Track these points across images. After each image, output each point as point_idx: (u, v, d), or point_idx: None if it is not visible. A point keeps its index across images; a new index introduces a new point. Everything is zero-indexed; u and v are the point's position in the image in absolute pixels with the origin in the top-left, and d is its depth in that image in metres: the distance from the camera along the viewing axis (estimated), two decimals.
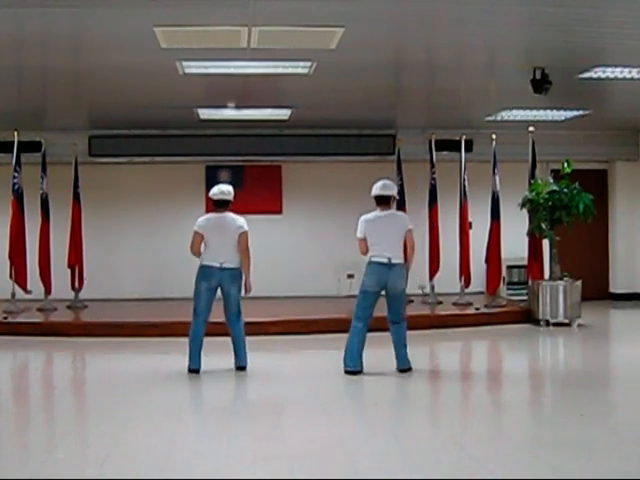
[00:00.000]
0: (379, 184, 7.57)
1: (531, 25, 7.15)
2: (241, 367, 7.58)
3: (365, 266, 7.47)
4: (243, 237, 7.52)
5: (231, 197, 7.66)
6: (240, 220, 7.58)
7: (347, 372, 7.37)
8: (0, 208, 11.92)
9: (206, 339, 9.32)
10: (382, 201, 7.50)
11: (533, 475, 4.41)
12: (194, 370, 7.49)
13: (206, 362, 8.03)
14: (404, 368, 7.49)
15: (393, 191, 7.58)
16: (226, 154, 13.07)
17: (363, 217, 7.55)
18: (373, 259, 7.38)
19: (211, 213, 7.69)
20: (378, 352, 9.16)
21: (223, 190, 7.63)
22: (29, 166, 11.49)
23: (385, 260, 7.32)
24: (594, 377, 7.58)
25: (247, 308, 11.12)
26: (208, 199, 13.26)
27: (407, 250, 7.51)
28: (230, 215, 7.61)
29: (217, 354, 8.85)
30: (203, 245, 7.55)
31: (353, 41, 7.34)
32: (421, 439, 5.35)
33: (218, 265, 7.43)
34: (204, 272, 7.48)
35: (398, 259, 7.38)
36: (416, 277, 12.06)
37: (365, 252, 7.49)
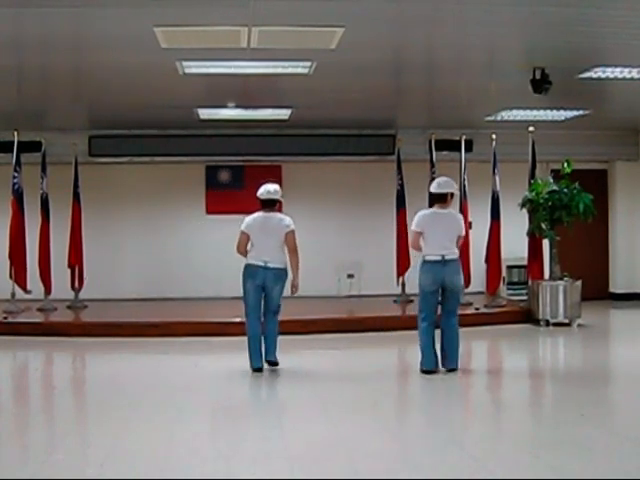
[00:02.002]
0: (436, 182, 7.65)
1: (531, 25, 7.15)
2: (270, 362, 7.55)
3: (419, 265, 7.50)
4: (290, 236, 7.52)
5: (278, 196, 7.66)
6: (287, 219, 7.59)
7: (423, 371, 7.38)
8: (0, 208, 11.92)
9: (207, 339, 9.33)
10: (440, 199, 7.52)
11: (533, 475, 4.41)
12: (257, 369, 7.48)
13: (206, 362, 8.04)
14: (452, 368, 7.44)
15: (451, 189, 7.58)
16: (226, 154, 13.08)
17: (421, 212, 7.62)
18: (427, 258, 7.38)
19: (258, 212, 7.65)
20: (378, 352, 9.17)
21: (269, 189, 7.64)
22: (29, 166, 11.49)
23: (439, 258, 7.31)
24: (594, 377, 7.58)
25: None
26: (208, 199, 13.54)
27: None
28: (277, 215, 7.61)
29: (216, 354, 8.85)
30: (250, 245, 7.55)
31: (353, 41, 7.34)
32: (421, 439, 5.35)
33: (262, 264, 7.43)
34: (249, 270, 7.49)
35: (452, 255, 7.36)
36: (416, 277, 12.15)
37: (416, 246, 7.53)
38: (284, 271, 7.54)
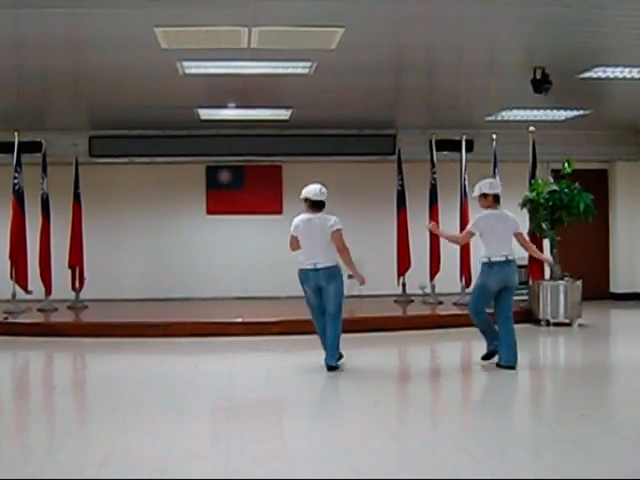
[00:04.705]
0: (488, 183, 7.78)
1: (531, 25, 7.15)
2: (328, 367, 7.48)
3: (480, 266, 7.61)
4: (336, 236, 7.38)
5: (324, 197, 7.54)
6: (332, 219, 7.45)
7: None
8: (0, 208, 11.93)
9: (208, 339, 9.32)
10: (495, 200, 7.70)
11: (533, 475, 4.41)
12: (329, 368, 7.47)
13: (206, 362, 8.03)
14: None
15: (497, 190, 7.74)
16: (226, 154, 13.08)
17: (478, 215, 7.76)
18: (492, 259, 7.49)
19: (303, 214, 7.58)
20: (378, 352, 9.17)
21: (323, 190, 7.53)
22: (29, 166, 11.49)
23: (503, 259, 7.47)
24: (594, 377, 7.58)
25: (248, 308, 11.15)
26: (208, 199, 13.54)
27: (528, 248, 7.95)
28: (322, 215, 7.48)
29: (217, 354, 8.86)
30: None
31: (353, 41, 7.35)
32: (421, 439, 5.34)
33: (312, 267, 7.40)
34: (301, 276, 7.50)
35: (512, 256, 7.55)
36: (417, 277, 12.16)
37: (462, 243, 7.96)
38: (335, 269, 7.41)
